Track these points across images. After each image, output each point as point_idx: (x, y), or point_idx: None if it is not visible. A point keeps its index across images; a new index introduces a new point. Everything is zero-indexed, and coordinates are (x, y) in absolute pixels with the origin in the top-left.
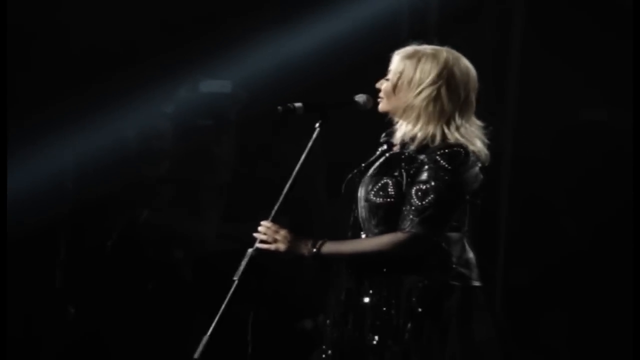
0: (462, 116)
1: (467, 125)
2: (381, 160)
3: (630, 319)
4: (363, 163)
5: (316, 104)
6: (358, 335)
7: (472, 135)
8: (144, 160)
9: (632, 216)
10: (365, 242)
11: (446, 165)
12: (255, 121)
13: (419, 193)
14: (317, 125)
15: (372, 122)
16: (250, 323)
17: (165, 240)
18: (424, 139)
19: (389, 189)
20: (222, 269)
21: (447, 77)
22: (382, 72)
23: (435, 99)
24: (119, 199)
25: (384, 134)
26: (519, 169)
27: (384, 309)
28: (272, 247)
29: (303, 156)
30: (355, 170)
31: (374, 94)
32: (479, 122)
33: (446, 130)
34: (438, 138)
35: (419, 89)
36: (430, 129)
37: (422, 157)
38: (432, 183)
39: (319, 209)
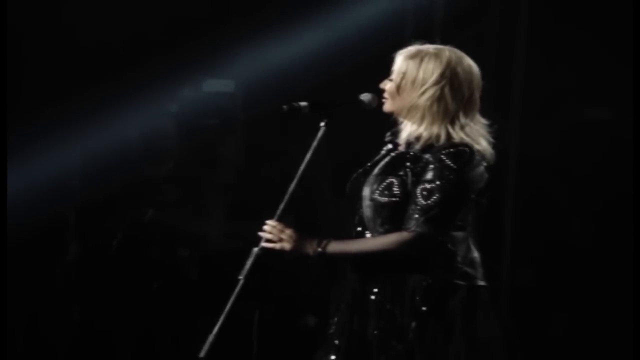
0: (466, 115)
1: (472, 124)
2: (386, 159)
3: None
4: (368, 162)
5: (321, 103)
6: (362, 334)
7: (477, 134)
8: (149, 160)
9: (638, 214)
10: (371, 242)
11: (451, 165)
12: (261, 121)
13: (424, 192)
14: (322, 124)
15: (377, 121)
16: (256, 322)
17: (171, 240)
18: (429, 138)
19: (394, 188)
20: (228, 268)
21: (450, 77)
22: (388, 71)
23: (439, 98)
24: (124, 198)
25: (388, 134)
26: (524, 167)
27: (388, 307)
28: (277, 246)
29: (308, 155)
30: (361, 170)
31: (379, 93)
32: (483, 121)
33: (451, 130)
34: (443, 137)
35: (423, 89)
36: (435, 128)
37: (427, 156)
38: (438, 182)
39: (324, 208)
